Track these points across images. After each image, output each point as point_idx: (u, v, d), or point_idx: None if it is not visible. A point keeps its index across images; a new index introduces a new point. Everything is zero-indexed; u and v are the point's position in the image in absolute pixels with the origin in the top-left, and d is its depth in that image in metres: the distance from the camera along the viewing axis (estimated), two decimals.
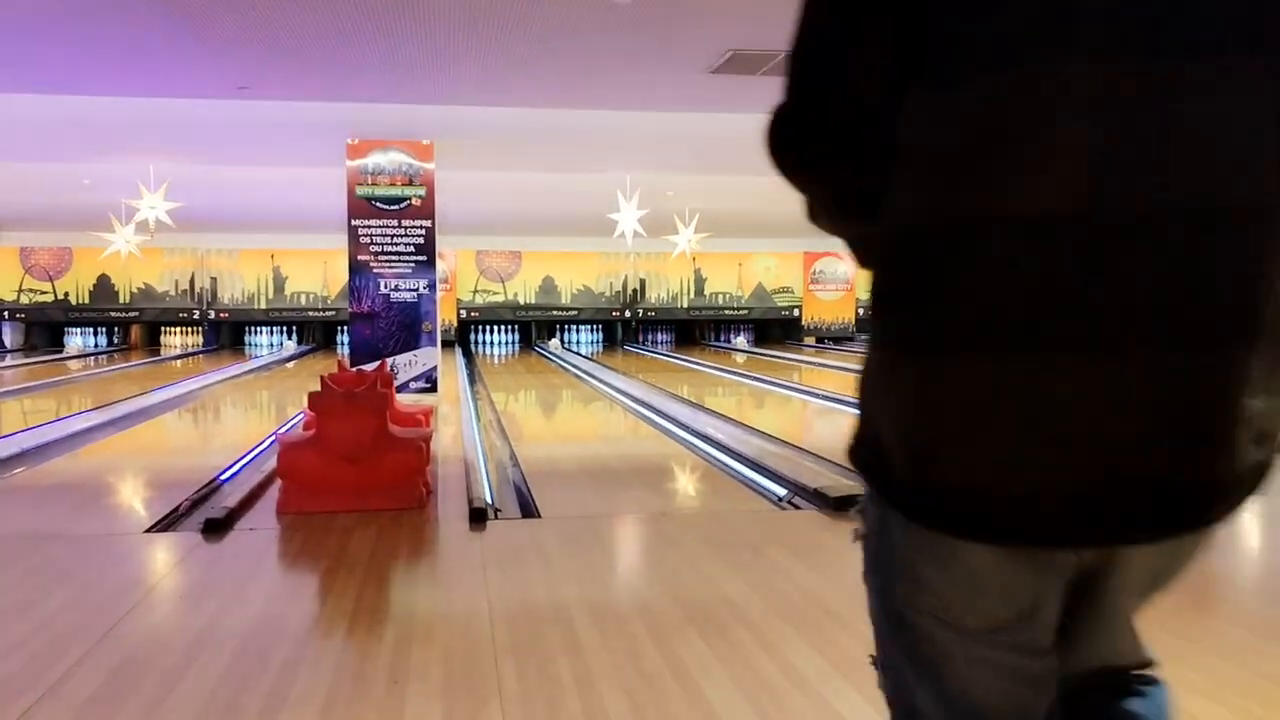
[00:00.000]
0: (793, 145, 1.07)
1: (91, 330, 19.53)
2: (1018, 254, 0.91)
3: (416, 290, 9.76)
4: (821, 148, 1.05)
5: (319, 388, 4.94)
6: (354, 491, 4.76)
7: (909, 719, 1.12)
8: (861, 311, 21.00)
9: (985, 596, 1.01)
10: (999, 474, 0.95)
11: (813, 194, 1.10)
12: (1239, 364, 0.92)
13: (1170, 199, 0.89)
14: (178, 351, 18.92)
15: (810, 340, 20.80)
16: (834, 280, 20.91)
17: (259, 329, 19.98)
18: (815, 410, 9.87)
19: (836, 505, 4.68)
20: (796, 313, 20.84)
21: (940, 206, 0.96)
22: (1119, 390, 0.91)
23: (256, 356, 17.59)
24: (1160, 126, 0.89)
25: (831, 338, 20.84)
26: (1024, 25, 0.91)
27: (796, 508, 4.93)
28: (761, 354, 17.54)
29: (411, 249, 9.73)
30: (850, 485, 5.05)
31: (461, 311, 19.64)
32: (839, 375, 13.45)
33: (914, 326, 0.98)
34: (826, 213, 1.11)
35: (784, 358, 16.87)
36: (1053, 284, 0.90)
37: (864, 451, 1.06)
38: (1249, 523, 4.75)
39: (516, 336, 20.63)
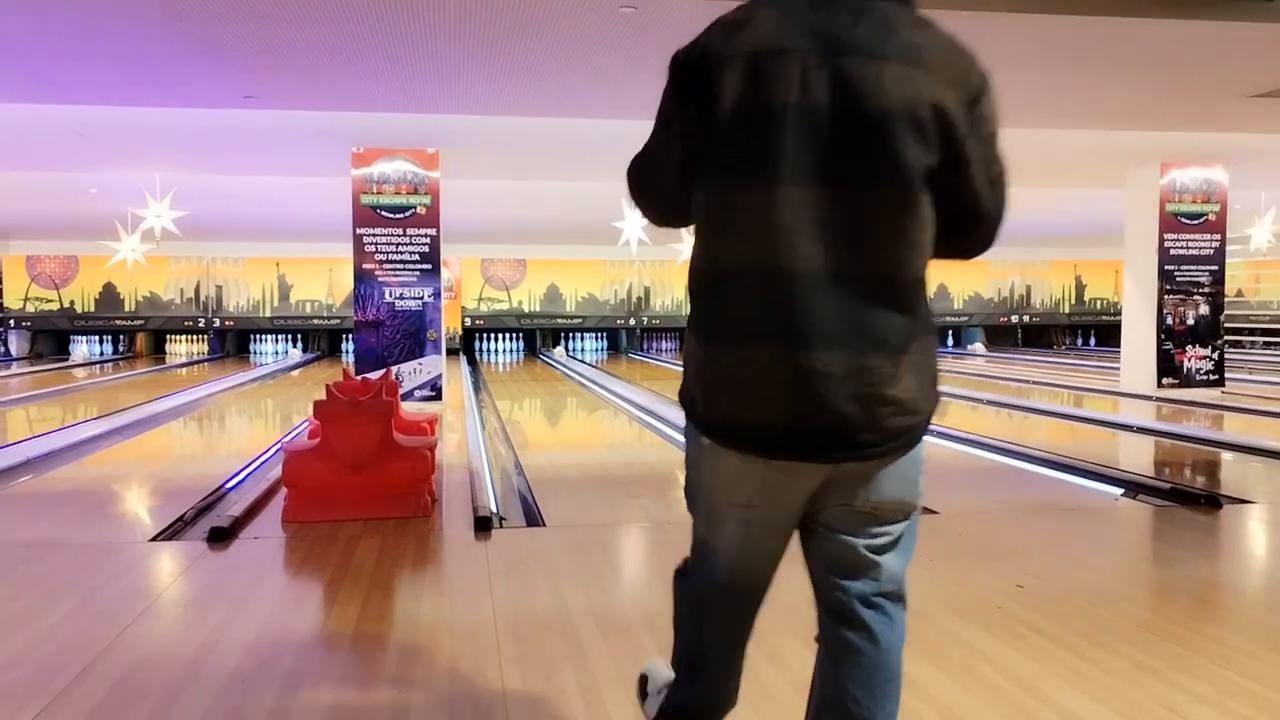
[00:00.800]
0: (633, 191, 1.87)
1: (97, 338, 19.60)
2: (740, 292, 1.61)
3: (421, 298, 9.79)
4: (646, 199, 1.85)
5: (324, 396, 4.95)
6: (359, 500, 4.76)
7: (699, 552, 1.91)
8: None
9: (733, 486, 1.72)
10: (738, 413, 1.64)
11: (645, 215, 1.89)
12: (876, 365, 1.58)
13: (824, 267, 1.56)
14: (183, 360, 18.96)
15: None
16: None
17: (264, 337, 20.03)
18: None
19: None
20: None
21: (704, 260, 1.68)
22: (800, 373, 1.57)
23: (261, 365, 17.62)
24: (820, 224, 1.56)
25: None
26: (750, 160, 1.58)
27: None
28: None
29: (416, 257, 9.76)
30: None
31: (466, 319, 19.66)
32: None
33: (701, 325, 1.69)
34: (654, 223, 1.89)
35: None
36: (760, 309, 1.59)
37: (683, 393, 1.78)
38: (1253, 531, 4.75)
39: (521, 344, 20.65)
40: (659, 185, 1.78)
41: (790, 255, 1.55)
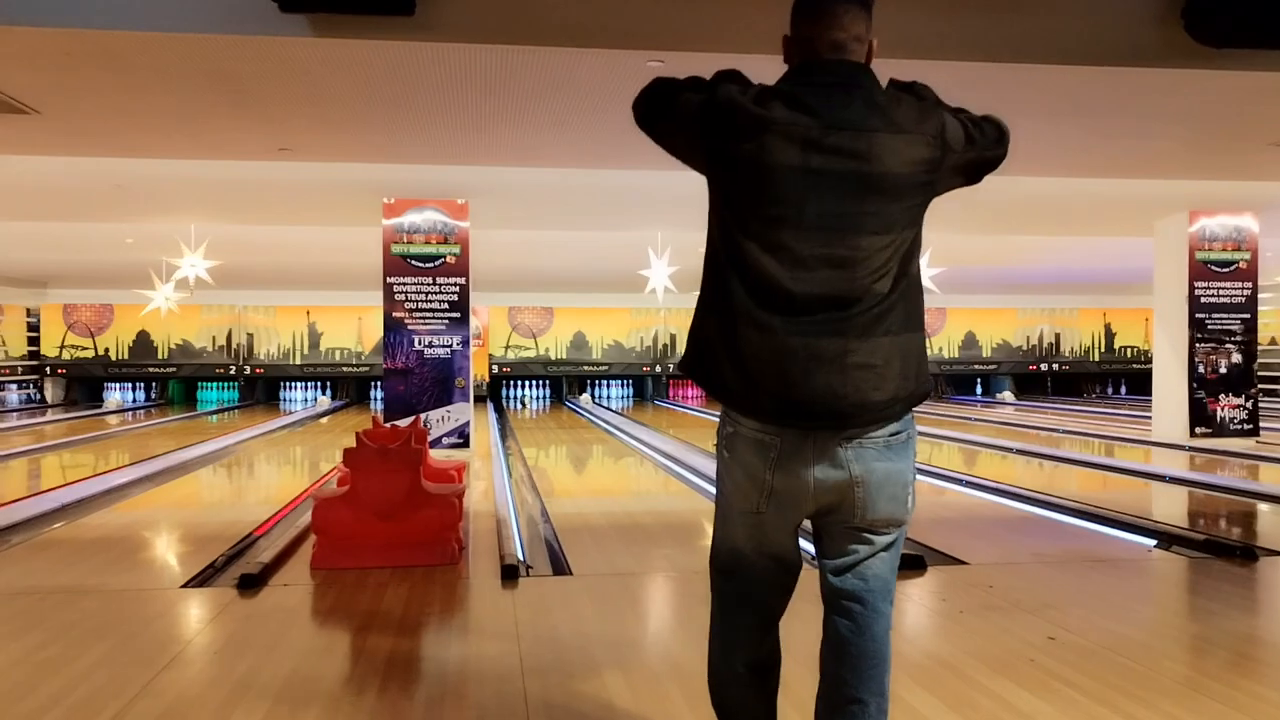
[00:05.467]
0: (643, 117, 2.28)
1: (130, 385, 19.85)
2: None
3: (450, 346, 9.87)
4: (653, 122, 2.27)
5: (353, 443, 4.99)
6: (387, 547, 4.78)
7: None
8: None
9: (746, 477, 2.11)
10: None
11: (650, 134, 2.25)
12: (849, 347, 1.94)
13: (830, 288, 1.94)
14: (214, 407, 19.14)
15: None
16: None
17: (294, 384, 20.21)
18: None
19: None
20: None
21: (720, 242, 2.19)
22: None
23: (291, 412, 17.75)
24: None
25: None
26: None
27: None
28: None
29: (445, 306, 9.85)
30: None
31: (494, 367, 19.77)
32: None
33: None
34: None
35: None
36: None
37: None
38: None
39: (548, 391, 20.72)
40: (670, 117, 2.23)
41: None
